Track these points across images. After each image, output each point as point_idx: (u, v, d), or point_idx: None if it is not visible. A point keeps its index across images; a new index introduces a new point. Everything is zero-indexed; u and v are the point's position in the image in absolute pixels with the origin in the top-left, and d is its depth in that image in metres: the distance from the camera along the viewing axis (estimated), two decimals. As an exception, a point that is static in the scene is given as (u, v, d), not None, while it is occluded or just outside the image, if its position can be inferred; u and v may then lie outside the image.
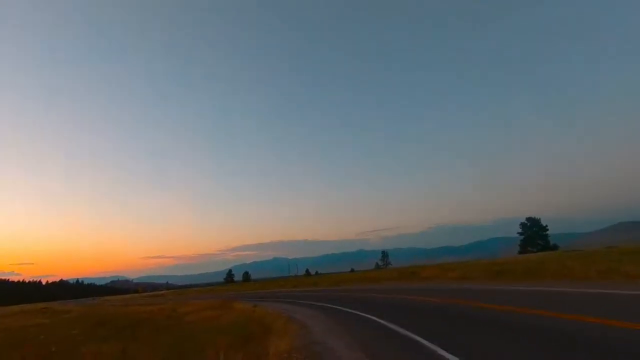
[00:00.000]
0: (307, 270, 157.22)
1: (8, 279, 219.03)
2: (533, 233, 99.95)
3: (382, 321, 9.53)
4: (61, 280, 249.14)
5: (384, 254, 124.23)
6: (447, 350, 5.69)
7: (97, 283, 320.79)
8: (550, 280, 15.37)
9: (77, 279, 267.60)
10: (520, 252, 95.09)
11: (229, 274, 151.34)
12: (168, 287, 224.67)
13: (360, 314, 12.03)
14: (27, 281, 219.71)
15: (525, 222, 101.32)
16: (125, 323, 15.92)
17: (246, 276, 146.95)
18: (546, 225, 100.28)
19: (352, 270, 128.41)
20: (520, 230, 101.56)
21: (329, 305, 16.57)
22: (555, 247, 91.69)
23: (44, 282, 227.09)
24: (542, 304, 9.52)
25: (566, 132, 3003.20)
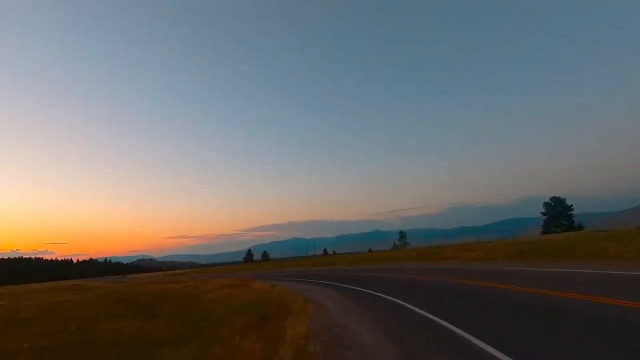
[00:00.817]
0: (324, 250, 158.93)
1: (42, 257, 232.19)
2: (557, 213, 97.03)
3: (406, 304, 8.92)
4: (91, 259, 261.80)
5: (402, 234, 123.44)
6: (491, 344, 4.80)
7: (124, 262, 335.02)
8: (582, 260, 14.59)
9: (106, 257, 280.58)
10: (543, 233, 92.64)
11: (249, 254, 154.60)
12: (191, 265, 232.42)
13: (382, 295, 11.33)
14: (59, 259, 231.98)
15: (549, 201, 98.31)
16: (148, 301, 16.21)
17: (265, 256, 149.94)
18: (571, 205, 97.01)
19: (370, 250, 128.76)
20: (543, 210, 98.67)
21: (347, 286, 16.14)
22: (580, 227, 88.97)
23: (74, 261, 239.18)
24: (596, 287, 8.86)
25: (585, 110, 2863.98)
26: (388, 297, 10.62)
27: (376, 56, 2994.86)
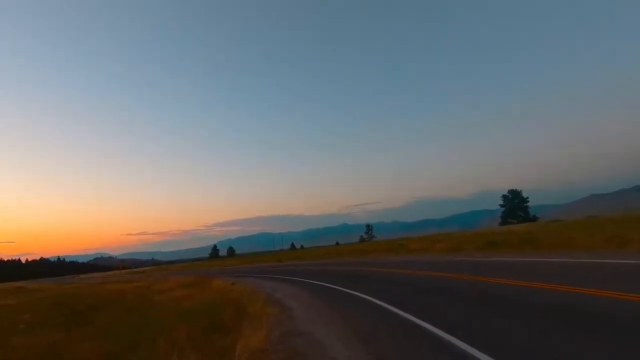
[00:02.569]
0: (292, 245, 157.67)
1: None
2: (514, 205, 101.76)
3: (380, 303, 7.85)
4: (41, 259, 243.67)
5: (369, 227, 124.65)
6: (479, 349, 4.05)
7: (80, 260, 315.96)
8: (550, 250, 14.45)
9: (59, 256, 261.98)
10: (501, 224, 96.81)
11: (214, 249, 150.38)
12: (154, 263, 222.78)
13: (352, 292, 10.18)
14: (6, 259, 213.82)
15: (507, 194, 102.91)
16: (88, 304, 14.28)
17: (231, 251, 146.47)
18: (527, 198, 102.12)
19: (338, 244, 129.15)
20: (502, 202, 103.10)
21: (314, 282, 14.96)
22: (535, 219, 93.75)
23: (23, 261, 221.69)
24: (564, 278, 8.32)
25: (537, 108, 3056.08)
26: (363, 296, 9.34)
27: (339, 55, 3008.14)
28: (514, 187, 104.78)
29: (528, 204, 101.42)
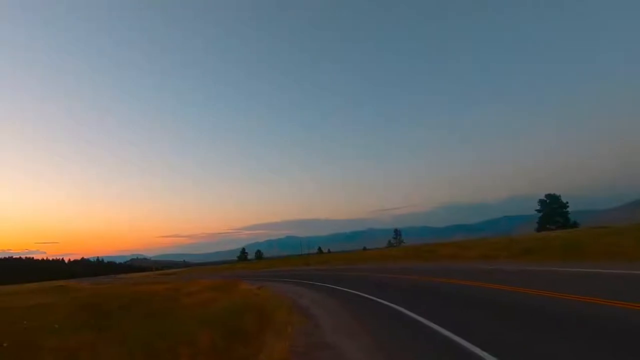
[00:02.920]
0: (319, 249, 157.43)
1: (33, 257, 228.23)
2: (552, 210, 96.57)
3: (413, 315, 7.15)
4: (82, 259, 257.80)
5: (397, 232, 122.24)
6: None
7: (117, 261, 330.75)
8: (597, 259, 13.25)
9: (98, 257, 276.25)
10: (538, 230, 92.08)
11: (243, 252, 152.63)
12: (185, 264, 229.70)
13: (382, 301, 9.42)
14: (50, 259, 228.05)
15: (544, 198, 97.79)
16: (116, 305, 14.56)
17: (258, 254, 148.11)
18: (566, 202, 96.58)
19: (365, 249, 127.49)
20: (538, 208, 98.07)
21: (342, 289, 14.34)
22: (575, 225, 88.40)
23: (66, 260, 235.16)
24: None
25: (575, 109, 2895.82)
26: (393, 306, 8.66)
27: (369, 55, 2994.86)
28: (549, 191, 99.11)
29: (568, 209, 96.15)
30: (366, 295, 11.42)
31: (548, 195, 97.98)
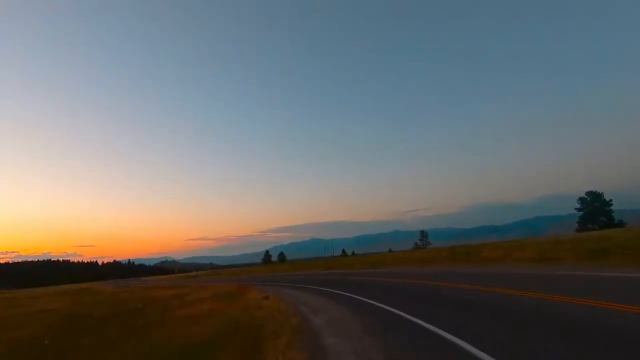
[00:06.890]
0: (343, 251, 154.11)
1: (70, 260, 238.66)
2: (594, 209, 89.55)
3: (467, 346, 4.62)
4: (115, 261, 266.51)
5: (423, 234, 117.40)
6: None
7: (147, 264, 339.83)
8: None
9: (129, 259, 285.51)
10: (578, 230, 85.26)
11: (266, 255, 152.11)
12: (212, 267, 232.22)
13: (421, 323, 6.35)
14: (86, 262, 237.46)
15: (585, 196, 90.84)
16: (101, 316, 12.45)
17: (281, 257, 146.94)
18: (610, 200, 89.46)
19: (390, 251, 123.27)
20: (578, 206, 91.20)
21: (369, 301, 10.79)
22: (622, 224, 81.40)
23: (100, 263, 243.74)
24: None
25: (608, 108, 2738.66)
26: (432, 328, 5.86)
27: (398, 58, 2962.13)
28: (586, 189, 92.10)
29: (611, 207, 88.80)
30: (402, 314, 7.81)
31: (589, 193, 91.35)
